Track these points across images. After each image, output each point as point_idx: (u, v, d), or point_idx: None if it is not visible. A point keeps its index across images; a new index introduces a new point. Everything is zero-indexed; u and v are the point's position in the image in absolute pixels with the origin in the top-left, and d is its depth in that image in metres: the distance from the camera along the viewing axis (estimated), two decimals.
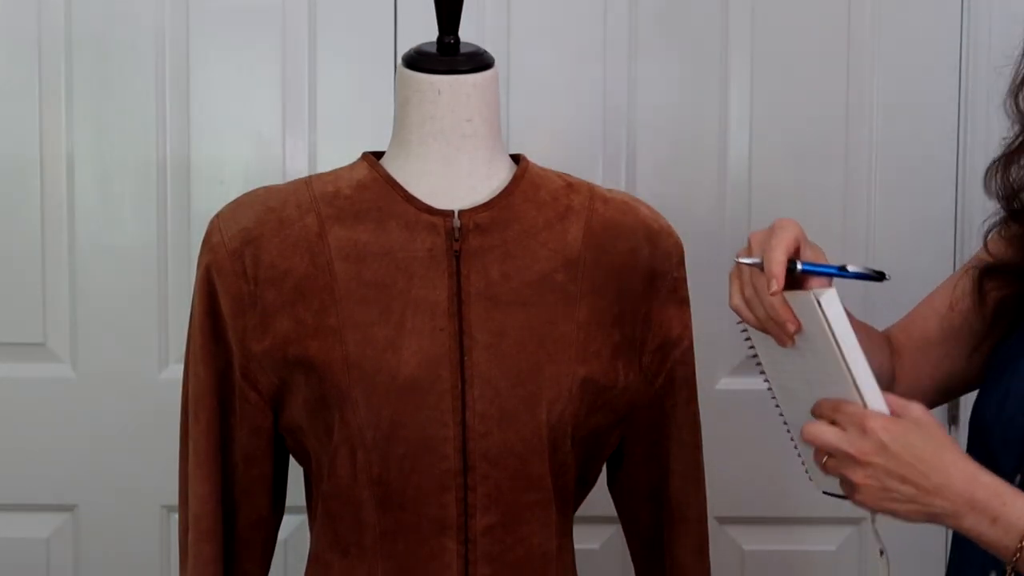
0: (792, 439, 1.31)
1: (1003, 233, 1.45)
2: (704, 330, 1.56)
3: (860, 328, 1.35)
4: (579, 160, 1.95)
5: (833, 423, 1.22)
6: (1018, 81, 1.42)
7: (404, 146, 1.44)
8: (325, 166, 1.81)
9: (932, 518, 1.21)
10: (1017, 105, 1.42)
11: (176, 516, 1.52)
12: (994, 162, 1.46)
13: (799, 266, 1.23)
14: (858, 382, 1.21)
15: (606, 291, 1.42)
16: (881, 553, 1.29)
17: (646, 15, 2.04)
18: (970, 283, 1.46)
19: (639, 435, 1.50)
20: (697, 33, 2.07)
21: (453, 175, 1.43)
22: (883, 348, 1.50)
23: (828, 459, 1.22)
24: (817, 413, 1.24)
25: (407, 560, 1.38)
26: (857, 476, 1.20)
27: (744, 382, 2.02)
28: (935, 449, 1.19)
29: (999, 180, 1.45)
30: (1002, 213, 1.46)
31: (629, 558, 1.59)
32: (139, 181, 1.98)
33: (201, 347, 1.42)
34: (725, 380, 2.09)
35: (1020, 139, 1.43)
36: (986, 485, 1.19)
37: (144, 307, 1.99)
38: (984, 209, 1.50)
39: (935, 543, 2.07)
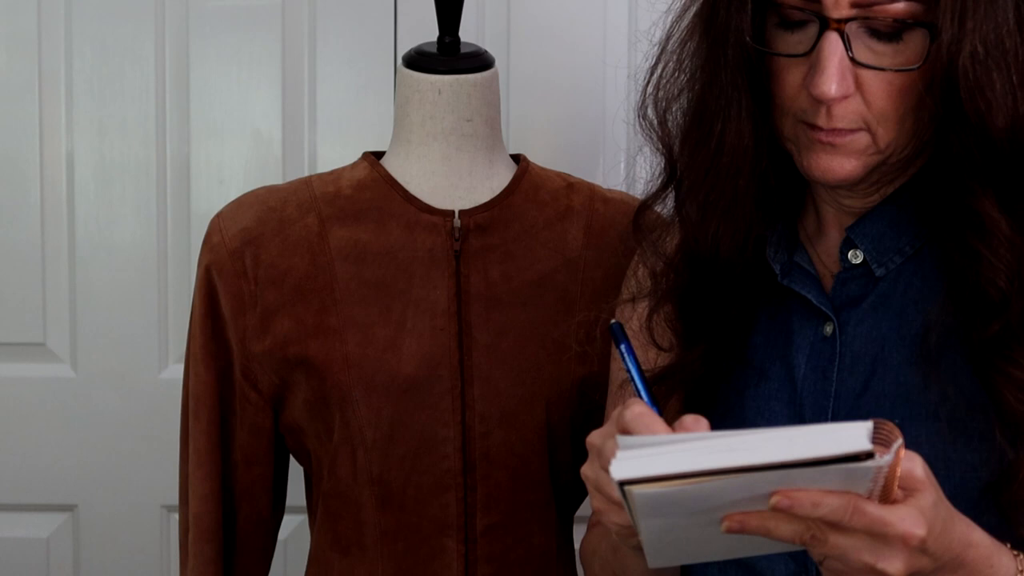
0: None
1: (655, 320, 1.16)
2: None
3: None
4: (579, 160, 1.94)
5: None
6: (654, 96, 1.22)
7: (404, 146, 1.44)
8: (325, 166, 1.82)
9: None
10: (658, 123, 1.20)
11: (176, 516, 1.52)
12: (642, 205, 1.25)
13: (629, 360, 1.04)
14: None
15: (606, 291, 1.42)
16: None
17: (646, 14, 2.03)
18: None
19: None
20: None
21: (453, 175, 1.43)
22: None
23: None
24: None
25: (408, 560, 1.38)
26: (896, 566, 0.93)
27: None
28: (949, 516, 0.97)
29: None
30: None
31: None
32: (139, 181, 1.97)
33: (202, 347, 1.42)
34: None
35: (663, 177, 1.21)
36: (977, 545, 1.01)
37: (144, 307, 1.99)
38: None
39: None
